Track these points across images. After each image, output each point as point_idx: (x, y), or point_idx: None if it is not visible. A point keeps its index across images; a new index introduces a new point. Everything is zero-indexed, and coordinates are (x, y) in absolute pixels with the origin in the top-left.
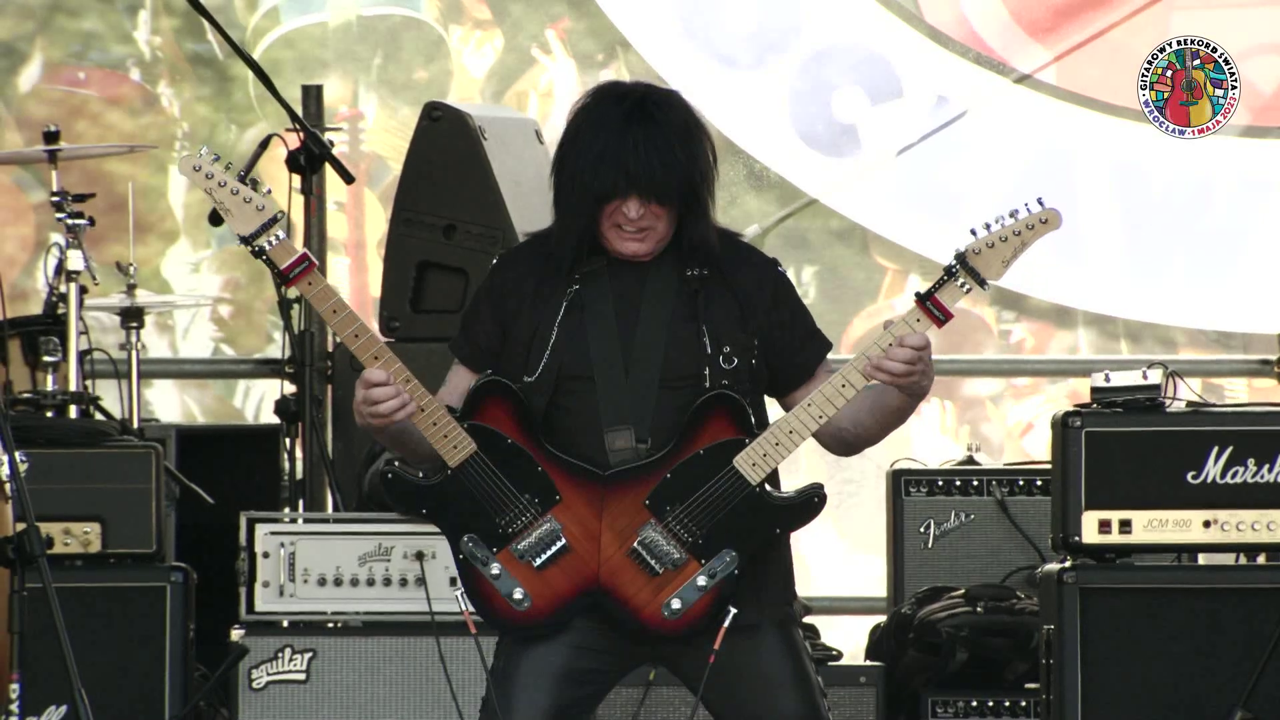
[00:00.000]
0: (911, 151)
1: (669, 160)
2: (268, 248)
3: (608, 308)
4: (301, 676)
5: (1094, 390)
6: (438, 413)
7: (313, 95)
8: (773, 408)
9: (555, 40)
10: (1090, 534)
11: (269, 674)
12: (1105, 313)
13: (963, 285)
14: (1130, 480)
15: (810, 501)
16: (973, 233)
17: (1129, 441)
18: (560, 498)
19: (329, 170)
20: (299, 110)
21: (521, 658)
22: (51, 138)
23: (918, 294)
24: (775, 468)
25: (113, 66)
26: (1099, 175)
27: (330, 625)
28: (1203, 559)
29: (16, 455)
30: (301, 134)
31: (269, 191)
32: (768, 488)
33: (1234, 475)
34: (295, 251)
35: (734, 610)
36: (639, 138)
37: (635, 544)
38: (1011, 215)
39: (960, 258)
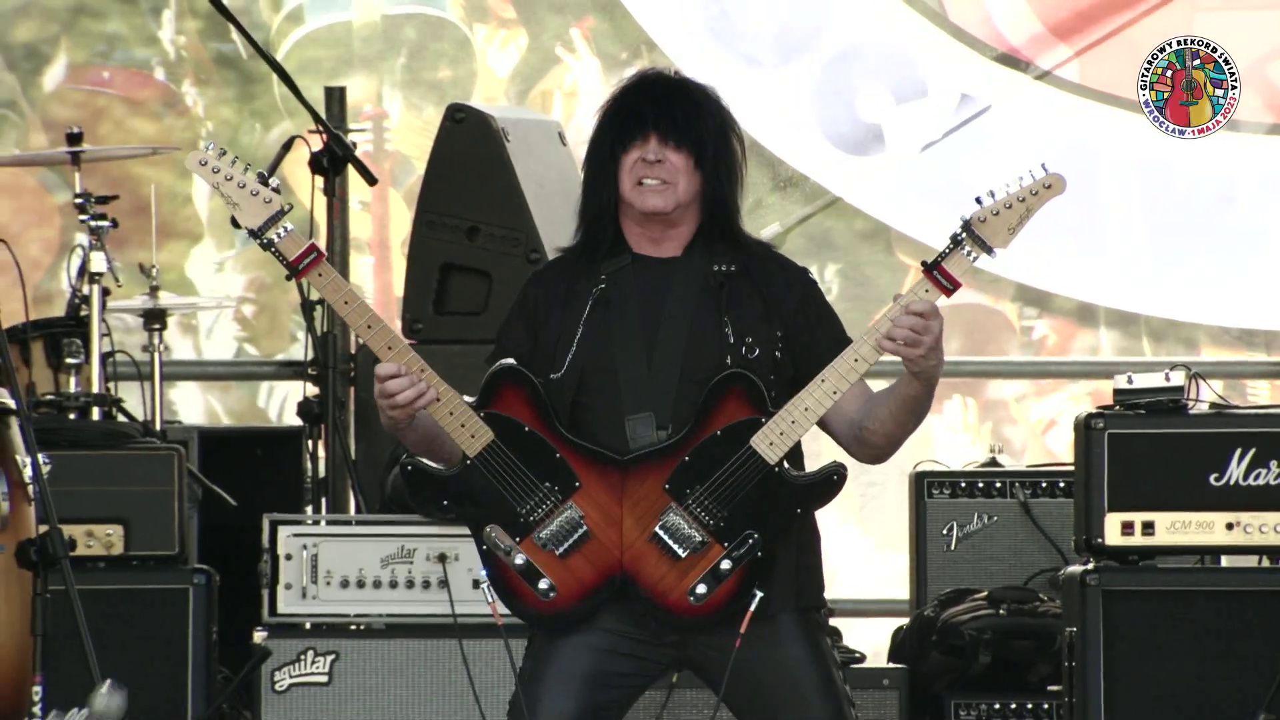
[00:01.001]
0: (935, 151)
1: (689, 108)
2: (276, 240)
3: (632, 303)
4: (324, 679)
5: (1117, 392)
6: (454, 402)
7: (336, 97)
8: None
9: (580, 40)
10: (1113, 536)
11: (291, 676)
12: (1127, 309)
13: (969, 254)
14: (1153, 482)
15: (830, 479)
16: (978, 200)
17: (1152, 443)
18: (580, 484)
19: (352, 171)
20: (322, 112)
21: (549, 660)
22: (74, 139)
23: (924, 263)
24: (797, 449)
25: (137, 67)
26: (1122, 173)
27: (353, 627)
28: (1226, 561)
29: (39, 457)
30: (324, 135)
31: (276, 185)
32: (787, 466)
33: (1257, 477)
34: (304, 243)
35: (760, 594)
36: (663, 91)
37: (657, 528)
38: (1017, 181)
39: (966, 225)
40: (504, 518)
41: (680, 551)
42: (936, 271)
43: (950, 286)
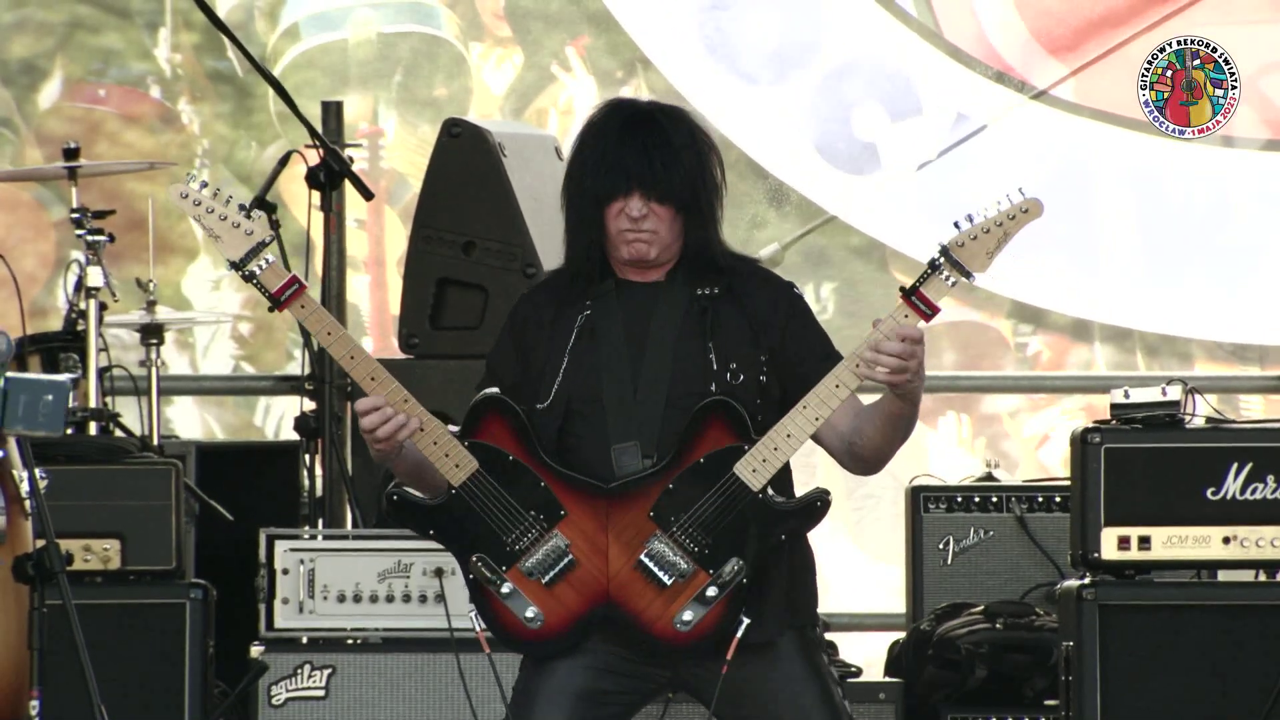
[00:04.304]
0: (931, 168)
1: (670, 160)
2: (258, 272)
3: (617, 331)
4: (321, 693)
5: (1113, 406)
6: (438, 432)
7: (332, 112)
8: None
9: (575, 57)
10: (1109, 550)
11: (288, 691)
12: (1123, 325)
13: (948, 279)
14: (1149, 496)
15: (813, 505)
16: (955, 225)
17: (1148, 458)
18: (565, 512)
19: (349, 187)
20: (319, 127)
21: (541, 678)
22: (71, 154)
23: (902, 289)
24: (783, 475)
25: (133, 84)
26: (1118, 190)
27: (350, 642)
28: (1222, 575)
29: (36, 472)
30: (321, 150)
31: (259, 216)
32: (770, 493)
33: (1253, 491)
34: (285, 275)
35: (746, 620)
36: (641, 139)
37: (642, 556)
38: (995, 205)
39: (944, 251)
40: (490, 547)
41: (666, 579)
42: (915, 297)
43: (929, 312)
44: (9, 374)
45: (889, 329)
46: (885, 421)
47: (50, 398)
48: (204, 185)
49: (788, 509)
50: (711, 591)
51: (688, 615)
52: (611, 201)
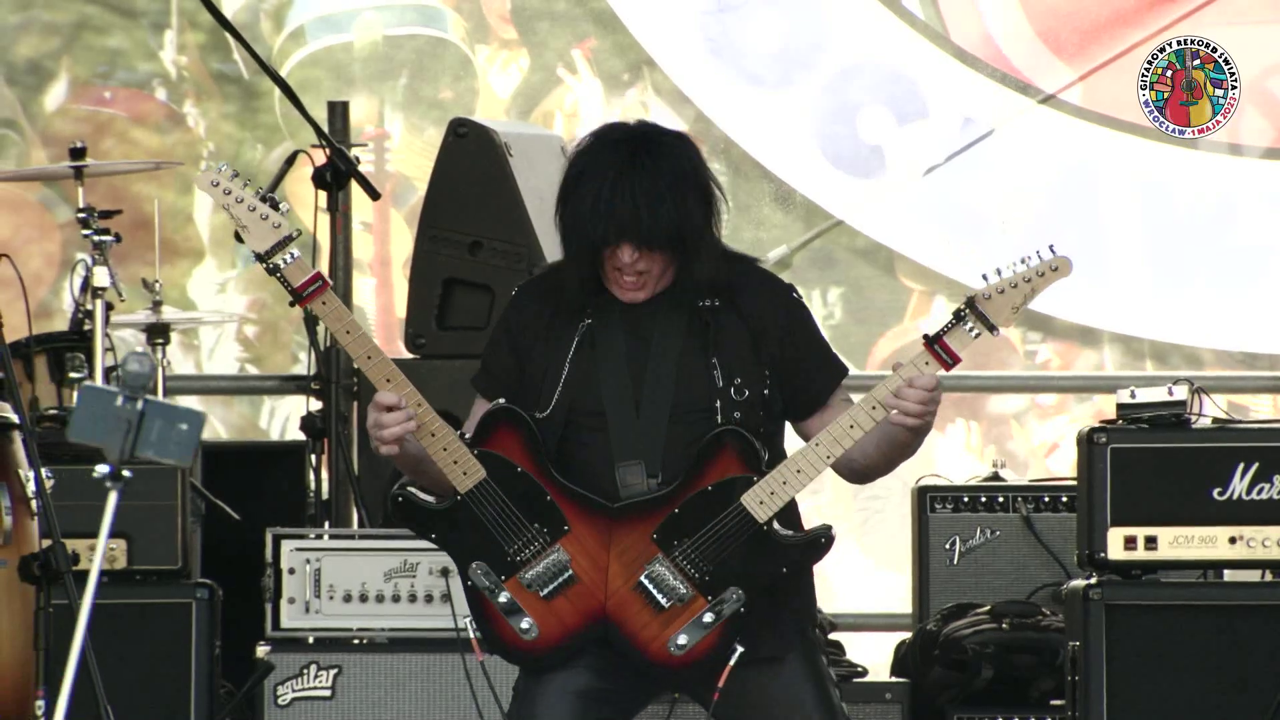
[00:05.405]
0: (937, 172)
1: (658, 210)
2: (283, 265)
3: (619, 343)
4: (327, 693)
5: (1120, 406)
6: (448, 438)
7: (338, 112)
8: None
9: (581, 60)
10: (1116, 550)
11: (294, 690)
12: (1130, 333)
13: (971, 330)
14: (1156, 496)
15: (817, 542)
16: (984, 278)
17: (1155, 457)
18: (569, 528)
19: (355, 188)
20: (325, 127)
21: (544, 677)
22: (78, 154)
23: (926, 336)
24: (789, 508)
25: (139, 85)
26: (1124, 195)
27: (356, 642)
28: (1228, 575)
29: (43, 471)
30: (327, 150)
31: (287, 210)
32: (776, 525)
33: (1259, 491)
34: (309, 270)
35: (740, 649)
36: (629, 187)
37: (642, 577)
38: (1023, 261)
39: (970, 303)
40: (491, 555)
41: (664, 602)
42: (938, 345)
43: (950, 361)
44: (147, 397)
45: (910, 375)
46: (892, 448)
47: (185, 427)
48: (235, 174)
49: (791, 543)
50: (708, 618)
51: (683, 639)
52: (604, 248)
